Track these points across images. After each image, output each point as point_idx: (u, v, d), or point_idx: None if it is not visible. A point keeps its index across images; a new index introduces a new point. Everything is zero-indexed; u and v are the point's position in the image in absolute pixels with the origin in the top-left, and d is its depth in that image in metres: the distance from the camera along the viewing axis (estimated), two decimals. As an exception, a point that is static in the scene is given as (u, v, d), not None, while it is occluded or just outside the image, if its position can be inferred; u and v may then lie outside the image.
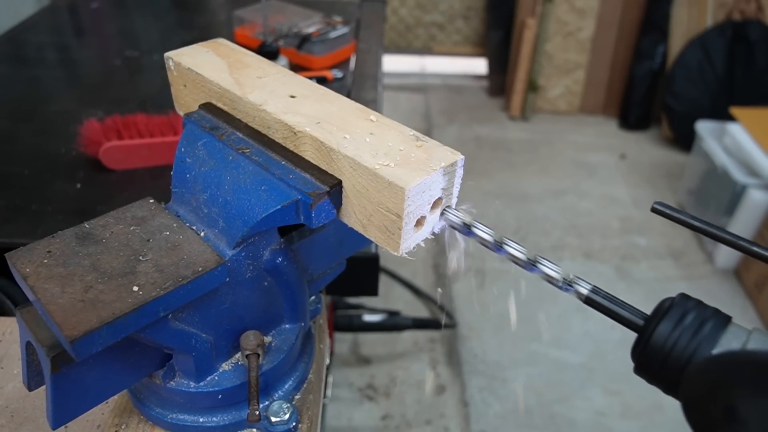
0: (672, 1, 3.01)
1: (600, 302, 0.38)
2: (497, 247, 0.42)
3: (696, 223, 0.38)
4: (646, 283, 2.25)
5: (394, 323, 1.85)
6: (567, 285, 0.40)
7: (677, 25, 3.03)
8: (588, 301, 0.38)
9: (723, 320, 0.33)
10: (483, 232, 0.43)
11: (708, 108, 2.96)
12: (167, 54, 0.57)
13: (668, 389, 0.34)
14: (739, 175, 2.20)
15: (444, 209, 0.45)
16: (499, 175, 2.86)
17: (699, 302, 0.35)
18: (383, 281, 2.18)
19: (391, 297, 2.16)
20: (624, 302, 0.37)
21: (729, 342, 0.31)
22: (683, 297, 0.35)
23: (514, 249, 0.42)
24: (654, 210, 0.40)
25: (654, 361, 0.33)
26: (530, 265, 0.41)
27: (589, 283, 0.39)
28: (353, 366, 1.92)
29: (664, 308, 0.35)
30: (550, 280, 0.40)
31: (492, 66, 3.52)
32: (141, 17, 1.71)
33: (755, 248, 0.36)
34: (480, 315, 2.12)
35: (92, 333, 0.38)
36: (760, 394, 0.26)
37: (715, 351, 0.30)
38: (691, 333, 0.33)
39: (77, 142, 1.00)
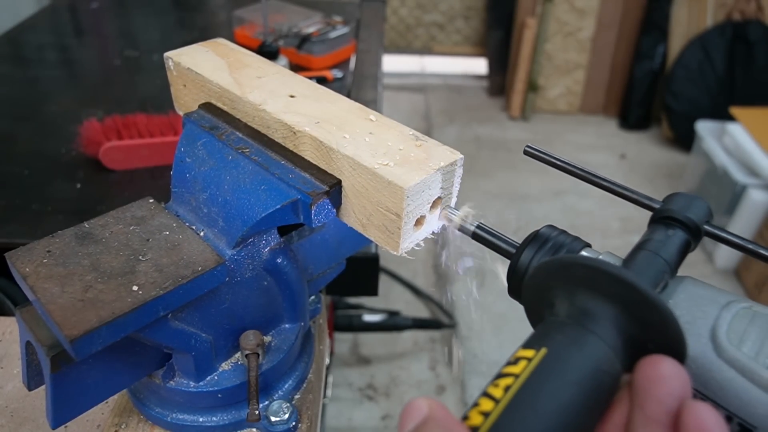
0: (672, 1, 3.01)
1: (484, 236, 0.42)
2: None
3: (570, 167, 0.42)
4: (646, 283, 2.25)
5: (394, 323, 1.85)
6: (462, 227, 0.44)
7: (677, 25, 3.03)
8: (475, 236, 0.43)
9: (579, 245, 0.37)
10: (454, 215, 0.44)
11: (708, 108, 2.96)
12: (167, 54, 0.57)
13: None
14: (739, 175, 2.20)
15: (443, 208, 0.45)
16: (499, 175, 2.86)
17: (563, 231, 0.38)
18: (383, 281, 2.18)
19: (391, 297, 2.16)
20: (505, 236, 0.41)
21: None
22: (549, 227, 0.39)
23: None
24: (526, 152, 0.45)
25: (516, 283, 0.38)
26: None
27: (477, 221, 0.43)
28: (353, 366, 1.92)
29: (530, 238, 0.39)
30: (461, 230, 0.44)
31: (492, 66, 3.52)
32: (141, 17, 1.71)
33: (619, 189, 0.40)
34: (480, 315, 2.12)
35: (92, 332, 0.38)
36: (569, 289, 0.30)
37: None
38: (547, 257, 0.37)
39: (77, 142, 1.00)
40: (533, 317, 0.35)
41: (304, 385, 0.60)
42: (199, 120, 0.52)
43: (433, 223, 0.45)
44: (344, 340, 2.00)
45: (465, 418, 0.27)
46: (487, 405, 0.26)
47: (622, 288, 0.28)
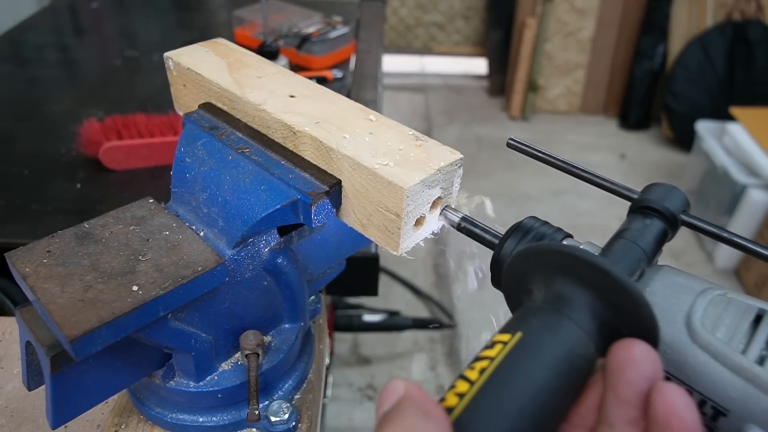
0: (672, 1, 3.01)
1: (469, 228, 0.43)
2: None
3: (551, 158, 0.43)
4: (646, 283, 2.25)
5: (394, 323, 1.85)
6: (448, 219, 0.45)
7: (677, 25, 3.03)
8: (459, 228, 0.43)
9: (560, 236, 0.38)
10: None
11: (708, 108, 2.96)
12: (167, 54, 0.57)
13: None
14: (739, 175, 2.20)
15: (443, 208, 0.45)
16: (499, 175, 2.86)
17: (545, 222, 0.39)
18: (383, 281, 2.18)
19: (391, 297, 2.16)
20: (489, 228, 0.42)
21: None
22: (531, 218, 0.40)
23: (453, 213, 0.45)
24: (509, 145, 0.45)
25: (498, 272, 0.38)
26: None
27: (462, 213, 0.44)
28: (353, 366, 1.92)
29: (512, 229, 0.40)
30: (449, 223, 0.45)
31: (492, 66, 3.52)
32: (141, 17, 1.71)
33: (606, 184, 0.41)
34: (480, 315, 2.12)
35: (92, 332, 0.38)
36: (546, 275, 0.31)
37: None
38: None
39: (77, 142, 1.00)
40: (512, 304, 0.36)
41: (304, 385, 0.60)
42: (199, 120, 0.52)
43: (433, 223, 0.45)
44: (344, 340, 2.00)
45: (442, 399, 0.27)
46: (462, 387, 0.27)
47: (597, 274, 0.29)
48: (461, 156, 0.44)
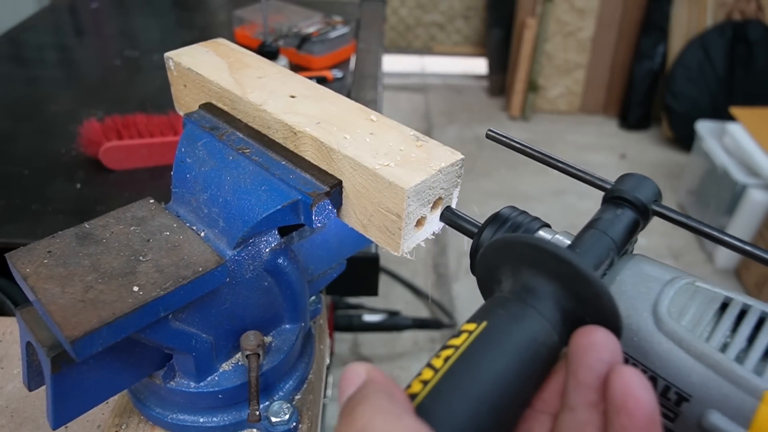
0: (672, 1, 3.01)
1: (450, 218, 0.44)
2: None
3: (529, 150, 0.44)
4: (646, 283, 2.25)
5: (394, 323, 1.85)
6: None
7: (677, 25, 3.03)
8: (442, 217, 0.44)
9: (537, 225, 0.39)
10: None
11: (708, 108, 2.96)
12: (167, 54, 0.57)
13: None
14: (739, 175, 2.20)
15: (444, 209, 0.45)
16: (499, 175, 2.86)
17: (523, 212, 0.40)
18: (383, 281, 2.18)
19: (391, 297, 2.16)
20: (469, 218, 0.43)
21: None
22: (509, 208, 0.40)
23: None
24: (488, 136, 0.47)
25: (475, 261, 0.38)
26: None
27: (446, 206, 0.45)
28: (353, 366, 1.92)
29: (491, 218, 0.40)
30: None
31: (492, 66, 3.52)
32: (141, 17, 1.71)
33: (594, 179, 0.41)
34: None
35: (92, 333, 0.38)
36: (513, 266, 0.32)
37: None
38: (505, 234, 0.38)
39: (77, 142, 1.00)
40: (485, 294, 0.36)
41: (305, 386, 0.60)
42: (200, 120, 0.52)
43: (434, 223, 0.45)
44: (344, 340, 2.00)
45: (407, 387, 0.28)
46: (427, 374, 0.28)
47: (561, 265, 0.30)
48: (462, 156, 0.44)
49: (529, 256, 0.31)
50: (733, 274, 2.32)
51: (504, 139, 0.46)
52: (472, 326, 0.30)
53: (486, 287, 0.36)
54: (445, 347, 0.29)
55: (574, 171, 0.42)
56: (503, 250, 0.33)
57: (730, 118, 2.39)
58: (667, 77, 3.06)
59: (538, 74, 3.26)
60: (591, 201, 2.64)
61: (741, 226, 2.21)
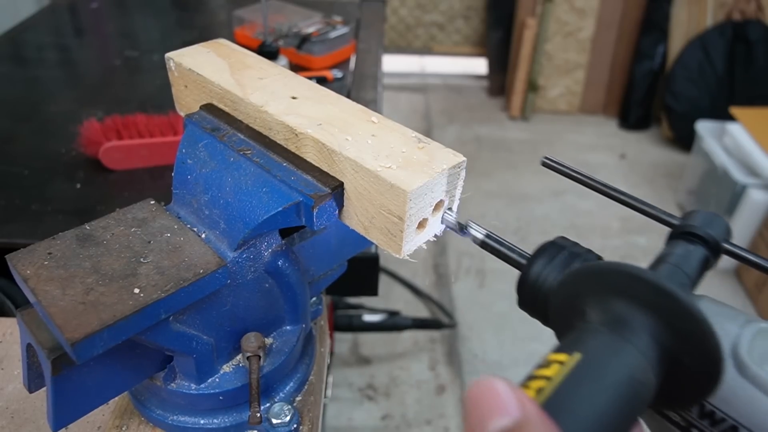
0: (672, 1, 3.01)
1: (493, 246, 0.42)
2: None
3: (578, 175, 0.42)
4: (646, 284, 2.24)
5: (394, 323, 1.85)
6: (463, 231, 0.43)
7: (677, 25, 3.03)
8: (483, 245, 0.42)
9: (592, 258, 0.37)
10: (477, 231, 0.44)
11: (708, 108, 2.96)
12: (168, 54, 0.56)
13: (542, 319, 0.37)
14: (739, 175, 2.20)
15: (446, 211, 0.45)
16: (499, 175, 2.86)
17: (574, 243, 0.38)
18: (383, 281, 2.18)
19: (391, 297, 2.16)
20: (514, 246, 0.41)
21: None
22: (561, 238, 0.38)
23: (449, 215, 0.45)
24: (543, 164, 0.44)
25: (528, 295, 0.37)
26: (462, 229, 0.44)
27: (485, 229, 0.43)
28: (353, 366, 1.92)
29: (542, 248, 0.38)
30: (450, 227, 0.44)
31: (492, 66, 3.52)
32: (141, 17, 1.70)
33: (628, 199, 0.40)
34: (480, 315, 2.12)
35: (93, 335, 0.38)
36: (603, 296, 0.30)
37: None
38: (561, 267, 0.36)
39: (77, 142, 0.99)
40: (560, 326, 0.34)
41: (306, 387, 0.60)
42: (201, 121, 0.52)
43: (436, 226, 0.45)
44: (344, 340, 2.00)
45: None
46: None
47: (660, 297, 0.28)
48: (464, 159, 0.43)
49: (623, 286, 0.29)
50: (734, 274, 2.33)
51: (561, 167, 0.43)
52: (563, 357, 0.27)
53: (562, 319, 0.34)
54: (533, 377, 0.26)
55: (637, 205, 0.40)
56: (590, 279, 0.31)
57: (730, 118, 2.39)
58: (667, 77, 3.06)
59: (538, 74, 3.26)
60: (591, 201, 2.64)
61: (741, 226, 2.21)
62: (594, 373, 0.27)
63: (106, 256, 0.44)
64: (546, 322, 0.37)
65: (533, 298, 0.37)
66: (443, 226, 0.45)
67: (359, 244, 0.65)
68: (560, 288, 0.33)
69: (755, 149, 2.19)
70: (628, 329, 0.28)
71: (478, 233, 0.42)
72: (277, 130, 0.49)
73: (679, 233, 0.36)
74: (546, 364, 0.27)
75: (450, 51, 3.76)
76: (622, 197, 0.41)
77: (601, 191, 0.42)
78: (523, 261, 0.39)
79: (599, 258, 0.37)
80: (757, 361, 0.30)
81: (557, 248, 0.37)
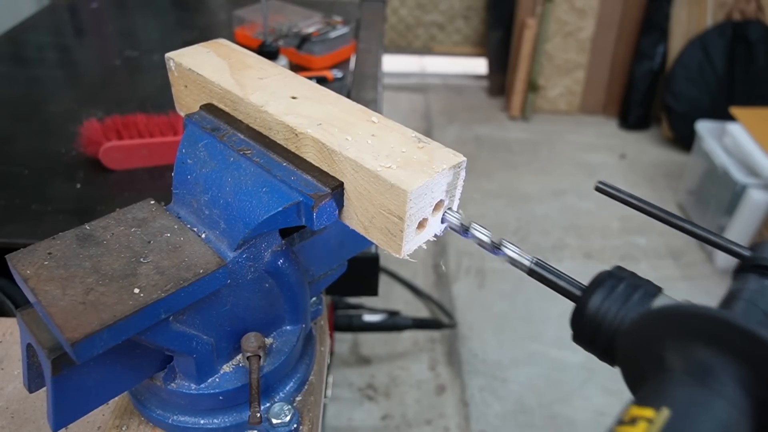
0: (672, 1, 3.01)
1: (542, 274, 0.39)
2: (496, 249, 0.43)
3: (636, 202, 0.40)
4: (646, 283, 2.24)
5: (394, 323, 1.85)
6: (513, 262, 0.42)
7: (677, 25, 3.03)
8: (531, 272, 0.40)
9: (653, 290, 0.35)
10: (482, 234, 0.43)
11: (708, 108, 2.96)
12: (168, 54, 0.56)
13: (602, 355, 0.35)
14: (739, 175, 2.20)
15: (446, 211, 0.45)
16: (499, 175, 2.86)
17: (632, 274, 0.36)
18: (383, 281, 2.18)
19: (391, 297, 2.16)
20: (565, 274, 0.39)
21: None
22: (618, 268, 0.37)
23: (481, 233, 0.43)
24: (597, 189, 0.42)
25: (587, 329, 0.35)
26: (496, 248, 0.42)
27: (532, 256, 0.40)
28: (353, 366, 1.92)
29: (599, 279, 0.36)
30: (513, 262, 0.42)
31: (492, 66, 3.52)
32: (141, 17, 1.70)
33: (704, 232, 0.38)
34: (480, 315, 2.12)
35: (93, 335, 0.38)
36: (684, 342, 0.28)
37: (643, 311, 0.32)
38: (621, 301, 0.34)
39: (77, 142, 0.99)
40: (631, 370, 0.32)
41: (306, 387, 0.60)
42: (201, 121, 0.52)
43: (436, 225, 0.45)
44: (344, 340, 2.00)
45: None
46: None
47: (751, 344, 0.26)
48: (464, 158, 0.43)
49: (707, 331, 0.27)
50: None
51: (616, 193, 0.41)
52: (649, 413, 0.25)
53: (633, 363, 0.32)
54: None
55: (705, 235, 0.38)
56: (669, 322, 0.29)
57: (730, 118, 2.39)
58: (667, 77, 3.06)
59: (538, 74, 3.26)
60: (591, 201, 2.64)
61: (741, 226, 2.21)
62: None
63: (106, 256, 0.44)
64: (608, 360, 0.35)
65: (592, 334, 0.35)
66: (443, 226, 0.45)
67: (359, 244, 0.65)
68: (632, 329, 0.31)
69: (755, 149, 2.19)
70: (717, 380, 0.27)
71: (526, 261, 0.40)
72: (277, 130, 0.49)
73: (750, 266, 0.34)
74: (631, 420, 0.26)
75: (450, 51, 3.76)
76: (686, 225, 0.38)
77: (660, 218, 0.39)
78: (578, 292, 0.37)
79: (659, 289, 0.35)
80: None
81: (615, 279, 0.36)
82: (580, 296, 0.36)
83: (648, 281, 0.36)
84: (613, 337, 0.34)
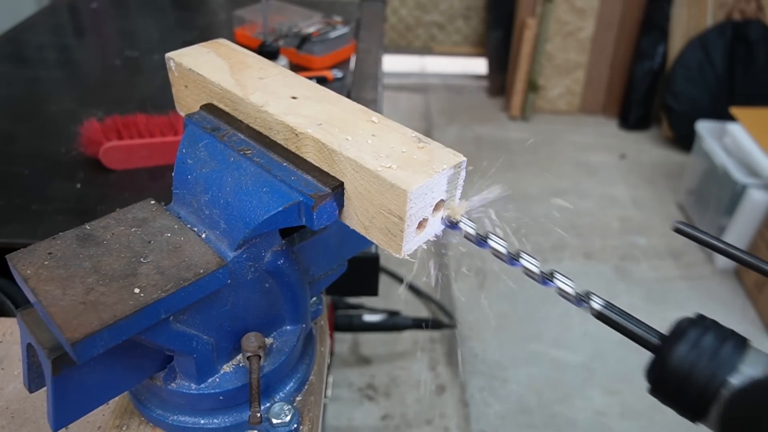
0: (672, 1, 3.01)
1: (613, 318, 0.37)
2: (511, 260, 0.42)
3: (718, 244, 0.37)
4: (646, 283, 2.25)
5: (394, 323, 1.85)
6: (580, 300, 0.39)
7: (677, 25, 3.03)
8: (600, 316, 0.37)
9: (740, 343, 0.33)
10: (496, 243, 0.43)
11: (708, 108, 2.96)
12: (168, 54, 0.56)
13: (685, 412, 0.33)
14: (739, 175, 2.20)
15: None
16: (499, 175, 2.85)
17: (715, 323, 0.34)
18: (383, 281, 2.18)
19: (391, 297, 2.16)
20: (637, 319, 0.36)
21: (750, 367, 0.31)
22: (700, 317, 0.34)
23: (529, 262, 0.41)
24: (676, 230, 0.39)
25: (671, 384, 0.33)
26: (546, 279, 0.40)
27: (602, 299, 0.38)
28: (353, 366, 1.92)
29: (681, 329, 0.34)
30: (563, 294, 0.39)
31: (492, 66, 3.52)
32: (141, 17, 1.70)
33: None
34: (480, 315, 2.12)
35: (93, 335, 0.38)
36: None
37: (746, 380, 0.30)
38: (709, 356, 0.32)
39: (77, 142, 0.99)
40: None
41: (306, 387, 0.60)
42: (201, 121, 0.52)
43: (436, 226, 0.45)
44: (344, 340, 2.00)
45: None
46: None
47: None
48: (464, 158, 0.43)
49: None
50: (733, 274, 2.33)
51: (695, 233, 0.39)
52: None
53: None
54: None
55: None
56: None
57: (730, 118, 2.39)
58: (667, 77, 3.06)
59: (538, 74, 3.26)
60: (591, 201, 2.64)
61: (741, 226, 2.21)
62: None
63: (107, 256, 0.44)
64: (691, 416, 0.33)
65: (677, 390, 0.33)
66: (443, 226, 0.45)
67: (359, 244, 0.65)
68: (741, 399, 0.29)
69: (755, 149, 2.19)
70: None
71: (596, 304, 0.38)
72: (278, 130, 0.49)
73: None
74: None
75: (450, 51, 3.76)
76: (763, 266, 0.37)
77: (740, 260, 0.37)
78: (656, 341, 0.35)
79: (745, 341, 0.33)
80: None
81: (699, 328, 0.33)
82: (660, 346, 0.34)
83: (733, 331, 0.34)
84: (705, 398, 0.32)
